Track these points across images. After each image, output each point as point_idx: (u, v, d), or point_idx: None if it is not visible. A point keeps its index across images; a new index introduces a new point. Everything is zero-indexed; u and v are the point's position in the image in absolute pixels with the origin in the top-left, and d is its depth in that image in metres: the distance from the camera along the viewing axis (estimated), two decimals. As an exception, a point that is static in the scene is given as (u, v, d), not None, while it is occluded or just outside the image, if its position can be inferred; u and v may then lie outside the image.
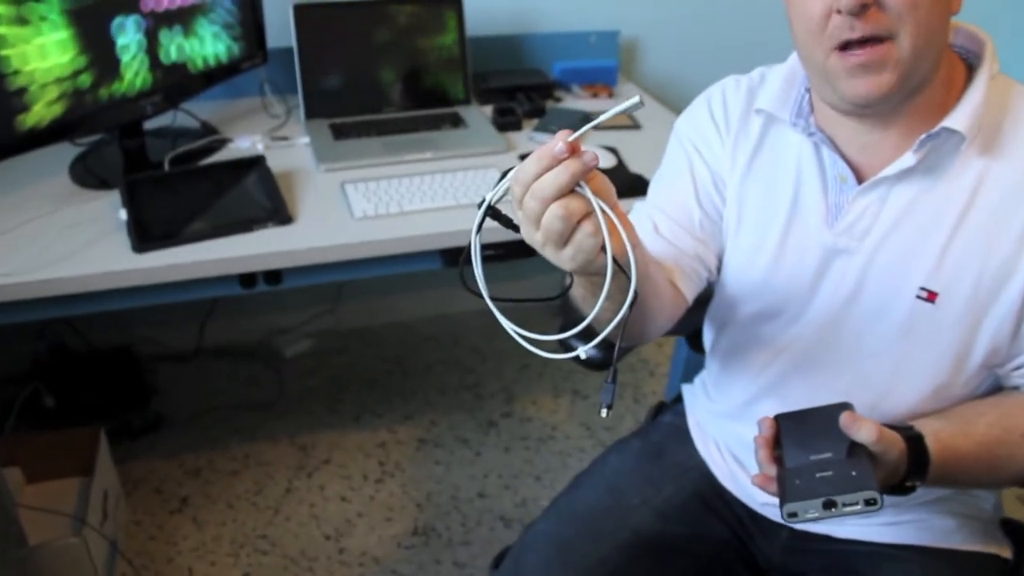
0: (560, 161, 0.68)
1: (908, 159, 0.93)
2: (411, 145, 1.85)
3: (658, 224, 1.10)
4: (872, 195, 0.98)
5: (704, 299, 1.19)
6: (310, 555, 1.94)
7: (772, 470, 0.93)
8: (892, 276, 0.98)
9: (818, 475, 0.88)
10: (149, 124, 1.84)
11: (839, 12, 0.85)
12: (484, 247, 0.76)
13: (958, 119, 0.91)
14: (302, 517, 2.04)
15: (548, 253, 0.73)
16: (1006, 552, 1.14)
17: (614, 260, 0.71)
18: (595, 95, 2.18)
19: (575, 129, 0.70)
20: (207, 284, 1.52)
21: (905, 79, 0.87)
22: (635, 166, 1.76)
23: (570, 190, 0.69)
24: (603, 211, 0.70)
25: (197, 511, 2.04)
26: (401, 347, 2.63)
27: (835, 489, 0.86)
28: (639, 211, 1.14)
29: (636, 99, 0.71)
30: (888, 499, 1.09)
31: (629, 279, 0.72)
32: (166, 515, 2.02)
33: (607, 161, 1.74)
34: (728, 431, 1.22)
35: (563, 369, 2.52)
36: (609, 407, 0.76)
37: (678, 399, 1.37)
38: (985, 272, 0.94)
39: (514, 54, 2.27)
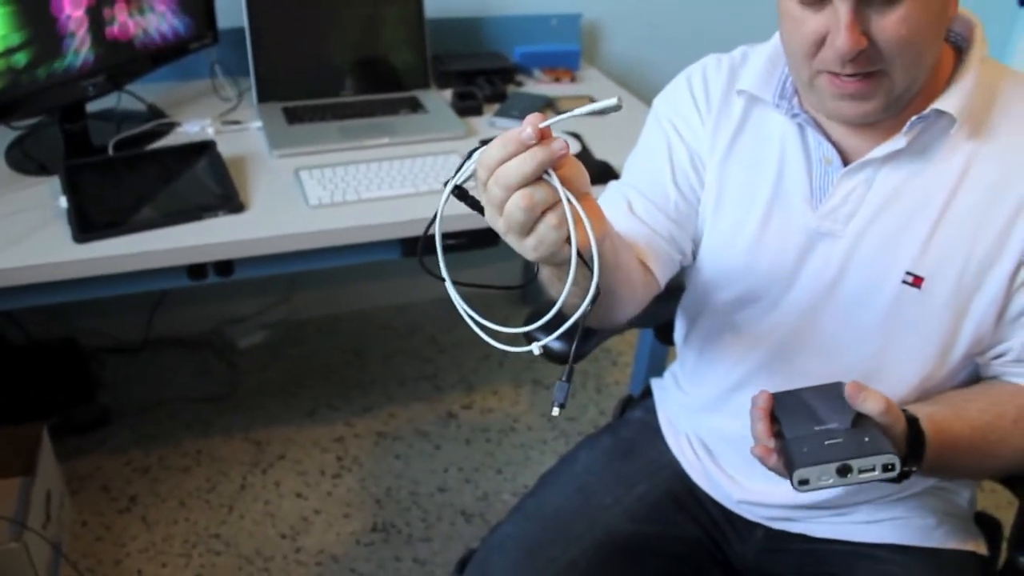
0: (527, 147, 0.65)
1: (898, 141, 0.91)
2: (368, 130, 1.79)
3: (632, 203, 1.06)
4: (858, 177, 0.95)
5: (675, 290, 1.15)
6: (265, 554, 1.88)
7: (771, 442, 0.86)
8: (877, 260, 0.95)
9: (827, 443, 0.81)
10: (92, 106, 1.75)
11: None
12: (446, 236, 0.72)
13: (950, 101, 0.88)
14: (257, 515, 1.97)
15: (511, 241, 0.70)
16: (983, 548, 1.13)
17: (578, 254, 0.68)
18: (557, 80, 2.14)
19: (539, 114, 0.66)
20: (153, 276, 1.44)
21: (892, 101, 0.87)
22: (600, 152, 1.72)
23: (536, 179, 0.66)
24: (570, 202, 0.67)
25: (147, 510, 1.96)
26: (359, 337, 2.57)
27: (850, 453, 0.79)
28: (613, 189, 1.10)
29: (614, 100, 0.68)
30: (867, 497, 1.08)
31: (592, 273, 0.68)
32: (114, 515, 1.94)
33: (571, 148, 1.69)
34: (703, 425, 1.19)
35: (524, 359, 2.47)
36: (562, 406, 0.72)
37: (647, 393, 1.33)
38: (972, 256, 0.92)
39: (474, 37, 2.21)
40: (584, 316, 0.70)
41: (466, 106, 1.91)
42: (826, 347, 1.02)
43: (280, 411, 2.27)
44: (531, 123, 0.65)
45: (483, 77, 2.04)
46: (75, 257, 1.35)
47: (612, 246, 0.83)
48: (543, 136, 0.65)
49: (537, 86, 2.11)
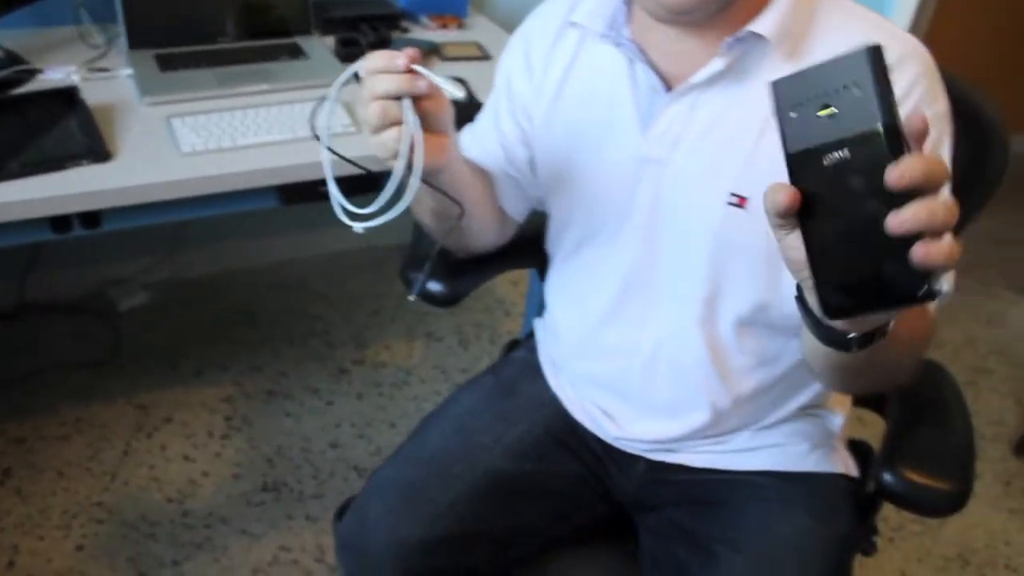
0: (398, 71, 0.80)
1: (716, 64, 0.91)
2: (246, 77, 1.72)
3: (475, 142, 1.16)
4: (682, 103, 0.96)
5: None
6: (151, 519, 1.82)
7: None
8: (704, 183, 0.96)
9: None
10: (-59, 52, 1.64)
11: None
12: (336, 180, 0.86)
13: (763, 24, 0.89)
14: (142, 480, 1.91)
15: (368, 131, 0.84)
16: (853, 471, 1.17)
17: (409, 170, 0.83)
18: (444, 26, 2.09)
19: (421, 61, 0.81)
20: (13, 229, 1.35)
21: None
22: (485, 97, 1.69)
23: (396, 98, 0.81)
24: (411, 137, 0.81)
25: (21, 482, 1.87)
26: (247, 296, 2.50)
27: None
28: (470, 126, 1.18)
29: (460, 94, 0.82)
30: (741, 424, 1.10)
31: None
32: (-14, 488, 1.86)
33: (457, 93, 1.66)
34: (574, 368, 1.19)
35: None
36: (416, 295, 1.00)
37: (531, 335, 1.33)
38: None
39: (358, -18, 2.15)
40: (410, 192, 0.83)
41: (348, 52, 1.85)
42: (668, 276, 1.03)
43: (165, 373, 2.20)
44: (407, 55, 0.80)
45: (367, 23, 1.98)
46: (-78, 208, 1.26)
47: (452, 174, 0.95)
48: (411, 69, 0.80)
49: (424, 32, 2.07)
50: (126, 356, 2.24)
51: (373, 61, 0.81)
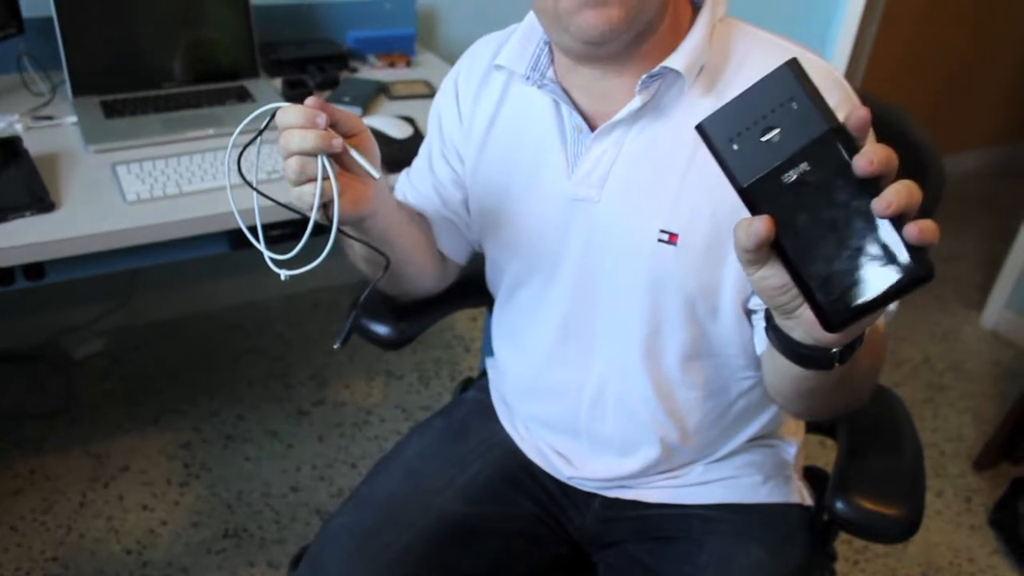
0: (315, 127, 0.79)
1: (635, 102, 0.92)
2: (192, 121, 1.71)
3: (411, 186, 1.17)
4: (607, 141, 0.96)
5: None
6: (109, 573, 1.78)
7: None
8: (633, 221, 0.96)
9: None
10: None
11: None
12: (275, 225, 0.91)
13: (676, 59, 0.90)
14: (99, 532, 1.87)
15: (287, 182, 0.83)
16: (808, 500, 1.17)
17: (327, 222, 0.84)
18: (392, 64, 2.10)
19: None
20: (-45, 284, 1.34)
21: (632, 14, 0.86)
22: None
23: (313, 154, 0.80)
24: (326, 186, 0.81)
25: (-27, 538, 1.83)
26: (204, 340, 2.48)
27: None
28: (406, 172, 1.20)
29: (376, 174, 0.85)
30: (693, 458, 1.10)
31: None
32: (-64, 545, 1.81)
33: (402, 132, 1.67)
34: (523, 409, 1.19)
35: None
36: (342, 343, 0.98)
37: (484, 373, 1.32)
38: (719, 209, 0.93)
39: (306, 23, 2.15)
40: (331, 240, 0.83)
41: (296, 94, 1.85)
42: (607, 315, 1.03)
43: (122, 421, 2.16)
44: (320, 109, 0.79)
45: (314, 64, 1.99)
46: None
47: (380, 220, 0.94)
48: (332, 124, 0.80)
49: (372, 72, 2.07)
50: (81, 405, 2.20)
51: (288, 117, 0.79)
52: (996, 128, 4.00)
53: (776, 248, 0.63)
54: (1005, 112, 3.95)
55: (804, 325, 0.67)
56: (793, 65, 0.62)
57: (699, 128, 0.64)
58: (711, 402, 1.06)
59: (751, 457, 1.14)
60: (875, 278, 0.60)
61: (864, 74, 3.13)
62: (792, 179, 0.62)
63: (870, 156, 0.58)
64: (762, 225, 0.61)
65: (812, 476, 1.24)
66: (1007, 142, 4.09)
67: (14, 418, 2.13)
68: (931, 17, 3.36)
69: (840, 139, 0.60)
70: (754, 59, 0.92)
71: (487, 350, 1.76)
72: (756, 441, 1.14)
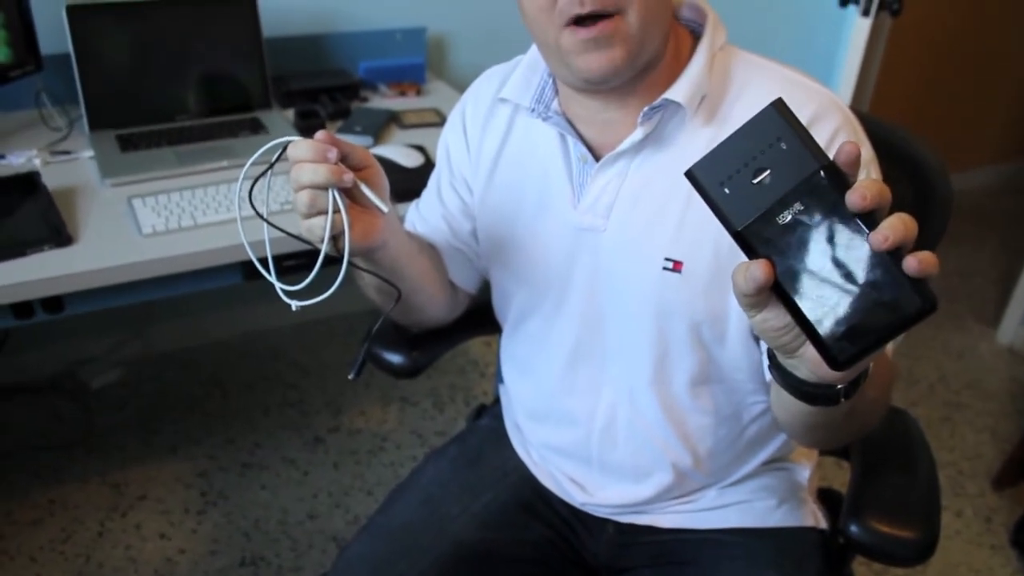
0: (326, 161, 0.81)
1: (637, 133, 0.93)
2: (207, 154, 1.74)
3: (420, 217, 1.19)
4: (611, 172, 0.97)
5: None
6: (127, 602, 1.79)
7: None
8: (638, 249, 0.97)
9: None
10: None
11: None
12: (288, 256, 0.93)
13: (677, 91, 0.91)
14: (118, 561, 1.88)
15: (298, 215, 0.85)
16: (823, 523, 1.16)
17: (336, 254, 0.85)
18: (403, 93, 2.13)
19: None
20: (-26, 318, 1.36)
21: (634, 53, 0.88)
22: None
23: (324, 188, 0.81)
24: (336, 219, 0.82)
25: (-7, 570, 1.85)
26: (219, 368, 2.49)
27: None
28: (415, 203, 1.21)
29: (387, 209, 0.87)
30: (706, 483, 1.10)
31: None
32: (-43, 577, 1.82)
33: (413, 160, 1.68)
34: (536, 435, 1.20)
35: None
36: (356, 374, 1.01)
37: (497, 400, 1.33)
38: (722, 238, 0.92)
39: (318, 55, 2.18)
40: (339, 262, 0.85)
41: (308, 125, 1.88)
42: (615, 343, 1.04)
43: (139, 450, 2.18)
44: (329, 142, 0.81)
45: (326, 94, 2.01)
46: None
47: (390, 251, 0.96)
48: (342, 158, 0.82)
49: (383, 101, 2.10)
50: (98, 434, 2.22)
51: (299, 151, 0.81)
52: (1010, 143, 3.99)
53: (776, 290, 0.63)
54: (1020, 127, 3.94)
55: (808, 364, 0.67)
56: (778, 105, 0.62)
57: (689, 174, 0.64)
58: (724, 428, 1.06)
59: (765, 481, 1.14)
60: (878, 313, 0.60)
61: (872, 94, 3.14)
62: (787, 220, 0.61)
63: (862, 191, 0.58)
64: (760, 270, 0.61)
65: (827, 498, 1.23)
66: (1021, 157, 4.08)
67: (33, 448, 2.15)
68: (940, 33, 3.37)
69: (831, 176, 0.60)
70: (754, 87, 0.94)
71: (500, 376, 1.77)
72: (769, 465, 1.14)
